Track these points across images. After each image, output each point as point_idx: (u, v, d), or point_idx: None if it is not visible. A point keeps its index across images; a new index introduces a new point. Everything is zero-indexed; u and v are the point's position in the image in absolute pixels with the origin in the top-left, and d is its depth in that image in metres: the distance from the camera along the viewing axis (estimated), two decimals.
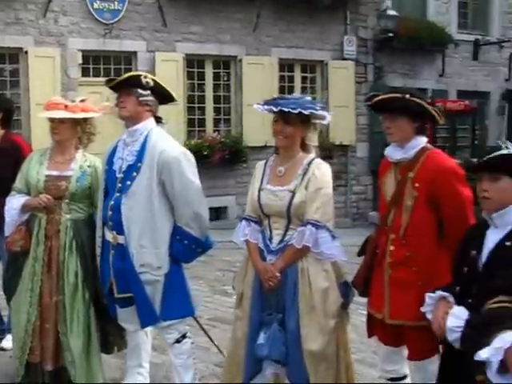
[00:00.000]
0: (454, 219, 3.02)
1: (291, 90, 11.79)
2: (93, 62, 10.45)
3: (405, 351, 3.27)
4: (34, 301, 3.74)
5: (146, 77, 3.60)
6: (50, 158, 3.86)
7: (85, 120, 3.81)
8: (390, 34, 12.40)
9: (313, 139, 3.42)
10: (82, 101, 3.83)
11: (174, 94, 3.80)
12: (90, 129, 3.86)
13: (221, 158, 10.64)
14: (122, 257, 3.54)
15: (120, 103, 3.58)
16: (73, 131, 3.80)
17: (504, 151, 2.49)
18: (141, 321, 3.61)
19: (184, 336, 3.71)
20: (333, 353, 3.30)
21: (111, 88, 3.66)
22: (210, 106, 11.31)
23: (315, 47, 12.03)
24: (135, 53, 10.61)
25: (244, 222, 3.46)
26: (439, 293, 2.66)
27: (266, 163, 3.50)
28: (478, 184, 2.58)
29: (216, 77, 11.39)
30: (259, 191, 3.37)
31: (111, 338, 3.98)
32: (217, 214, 10.80)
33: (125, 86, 3.58)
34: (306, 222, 3.22)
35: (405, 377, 3.36)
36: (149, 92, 3.56)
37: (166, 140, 3.61)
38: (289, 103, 3.22)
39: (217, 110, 11.40)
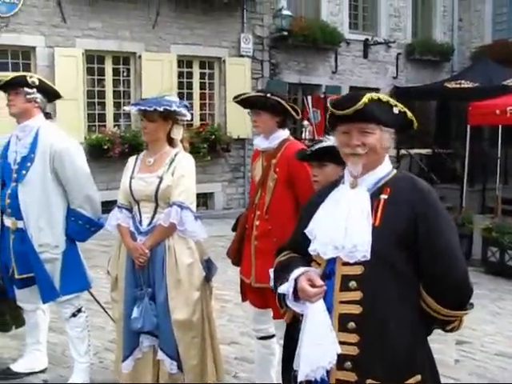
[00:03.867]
0: (305, 194, 3.41)
1: (190, 86, 12.16)
2: None
3: (271, 313, 3.63)
4: None
5: (31, 76, 3.91)
6: None
7: None
8: (285, 33, 12.90)
9: (178, 134, 3.76)
10: None
11: (60, 91, 4.13)
12: None
13: (121, 151, 10.62)
14: (22, 240, 3.83)
15: (9, 101, 3.87)
16: None
17: (326, 143, 2.94)
18: (42, 297, 3.89)
19: (79, 310, 4.02)
20: (198, 322, 3.66)
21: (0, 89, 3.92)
22: (109, 101, 11.40)
23: (213, 44, 12.32)
24: (34, 48, 10.52)
25: (116, 209, 3.76)
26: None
27: (137, 157, 3.82)
28: (311, 169, 3.07)
29: (116, 73, 11.49)
30: (130, 179, 3.68)
31: (7, 318, 4.23)
32: None
33: (13, 86, 3.86)
34: (172, 203, 3.58)
35: (273, 336, 3.79)
36: (35, 90, 3.86)
37: (55, 133, 3.93)
38: (148, 103, 3.59)
39: (117, 105, 11.48)
